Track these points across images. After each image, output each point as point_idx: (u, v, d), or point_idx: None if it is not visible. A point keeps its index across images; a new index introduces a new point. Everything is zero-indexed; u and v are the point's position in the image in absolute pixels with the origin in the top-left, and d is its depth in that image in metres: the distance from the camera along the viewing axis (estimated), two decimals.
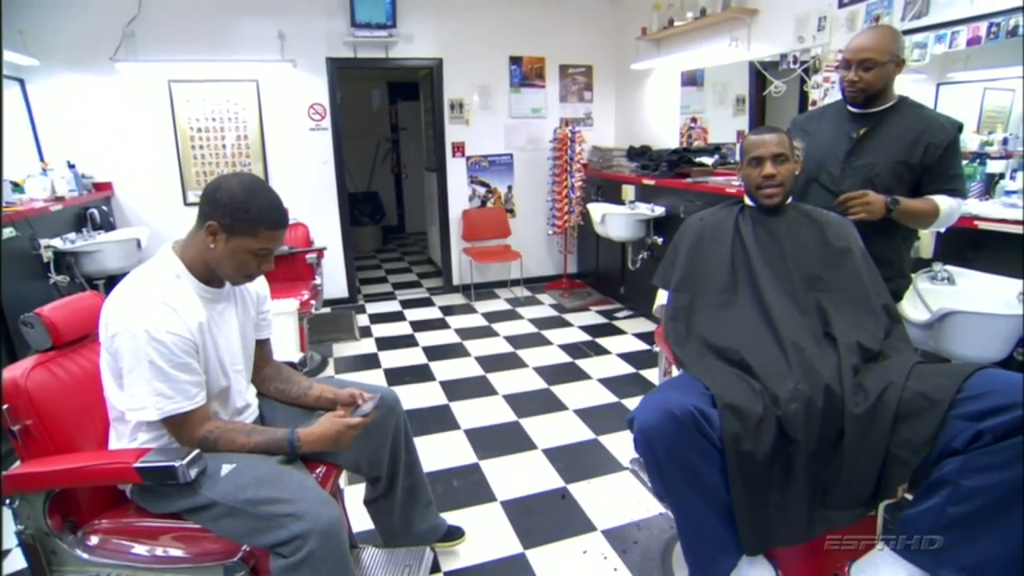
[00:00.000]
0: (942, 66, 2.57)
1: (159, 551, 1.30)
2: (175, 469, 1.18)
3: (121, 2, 3.86)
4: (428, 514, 1.76)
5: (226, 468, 1.24)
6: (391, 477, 1.64)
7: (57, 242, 3.00)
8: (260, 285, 1.56)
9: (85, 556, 1.31)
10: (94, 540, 1.33)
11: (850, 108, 1.84)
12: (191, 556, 1.28)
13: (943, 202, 1.71)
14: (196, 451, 1.23)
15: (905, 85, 2.72)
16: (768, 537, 1.27)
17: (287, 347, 2.95)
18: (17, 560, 1.90)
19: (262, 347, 1.58)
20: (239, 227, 1.26)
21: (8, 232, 2.70)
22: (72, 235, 3.16)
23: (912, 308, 1.80)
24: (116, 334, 1.22)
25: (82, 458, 1.31)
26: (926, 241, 2.13)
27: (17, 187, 3.31)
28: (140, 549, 1.31)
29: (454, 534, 1.85)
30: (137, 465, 1.19)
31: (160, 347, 1.20)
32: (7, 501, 1.28)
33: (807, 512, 1.25)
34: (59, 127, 3.92)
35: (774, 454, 1.24)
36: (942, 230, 2.05)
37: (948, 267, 1.98)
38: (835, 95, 2.92)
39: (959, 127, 1.75)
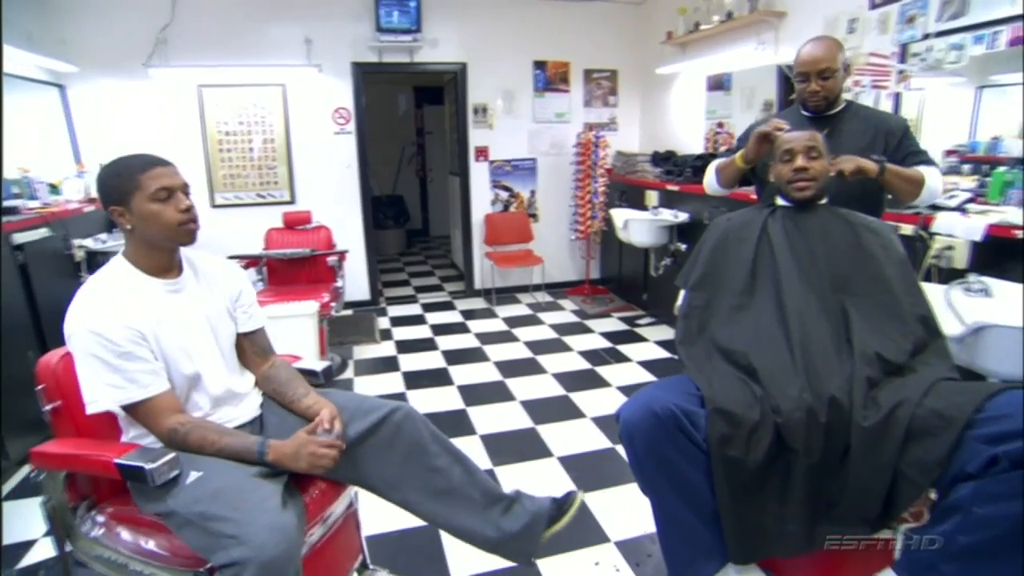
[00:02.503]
0: (981, 68, 2.46)
1: (146, 544, 1.30)
2: (143, 471, 1.18)
3: (155, 10, 3.98)
4: (516, 511, 1.50)
5: (193, 476, 1.22)
6: (447, 494, 1.46)
7: (89, 242, 3.09)
8: (236, 279, 1.54)
9: (92, 535, 1.35)
10: (101, 519, 1.37)
11: (805, 114, 1.93)
12: (170, 556, 1.27)
13: (924, 169, 1.79)
14: (171, 455, 1.22)
15: (941, 88, 2.63)
16: (762, 547, 1.24)
17: (306, 348, 2.98)
18: (40, 552, 1.96)
19: (252, 341, 1.55)
20: (123, 191, 1.27)
21: (43, 232, 2.80)
22: (103, 235, 3.26)
23: (944, 320, 1.72)
24: (68, 338, 1.26)
25: (81, 446, 1.35)
26: (960, 250, 2.04)
27: (54, 189, 3.42)
28: (131, 538, 1.32)
29: (566, 506, 1.54)
30: (116, 461, 1.21)
31: (101, 340, 1.22)
32: (33, 474, 1.34)
33: (808, 525, 1.20)
34: (95, 131, 4.04)
35: (771, 462, 1.21)
36: (945, 239, 1.99)
37: (984, 278, 1.89)
38: (866, 98, 2.83)
39: (906, 120, 1.95)
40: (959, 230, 2.06)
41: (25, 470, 2.48)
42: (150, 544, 1.29)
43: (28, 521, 2.13)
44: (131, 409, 1.28)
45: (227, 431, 1.33)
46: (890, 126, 1.86)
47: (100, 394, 1.25)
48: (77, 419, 1.37)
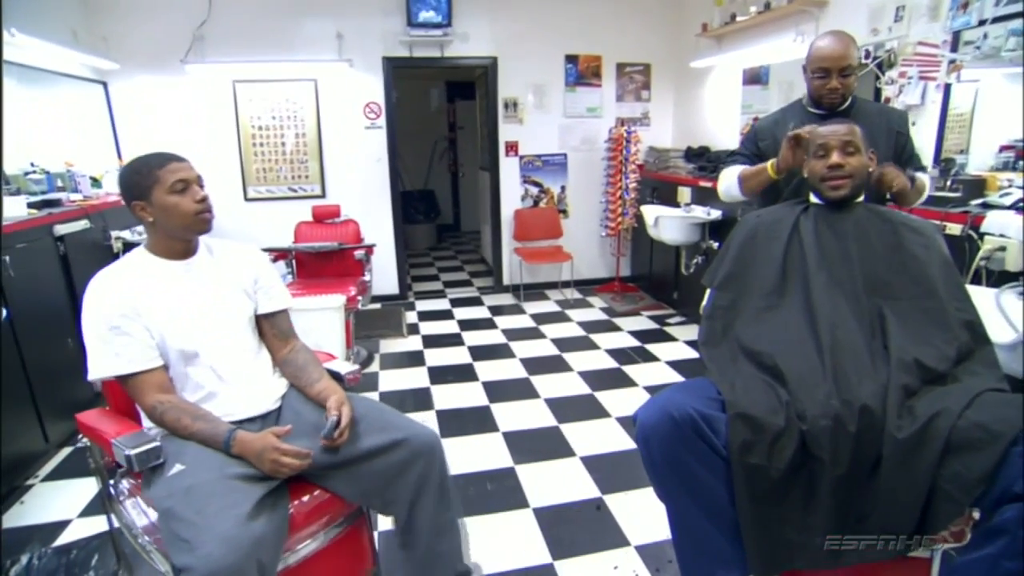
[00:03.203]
0: None
1: (150, 521, 1.32)
2: (122, 453, 1.22)
3: (192, 7, 4.07)
4: None
5: (176, 468, 1.24)
6: (411, 531, 1.42)
7: (126, 234, 3.18)
8: (254, 262, 1.57)
9: (121, 499, 1.41)
10: (127, 487, 1.41)
11: (813, 111, 1.89)
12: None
13: (923, 177, 1.86)
14: (153, 444, 1.26)
15: (997, 80, 2.48)
16: (784, 558, 1.17)
17: (332, 341, 3.00)
18: (75, 532, 2.03)
19: (273, 324, 1.57)
20: (144, 186, 1.34)
21: (83, 224, 2.89)
22: (140, 227, 3.32)
23: (993, 326, 1.61)
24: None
25: (105, 420, 1.41)
26: (1014, 252, 1.92)
27: (96, 182, 3.53)
28: (139, 512, 1.35)
29: None
30: (112, 440, 1.26)
31: (97, 314, 1.31)
32: (79, 436, 1.45)
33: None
34: (135, 126, 4.17)
35: (795, 471, 1.14)
36: (997, 239, 1.86)
37: None
38: (913, 91, 2.69)
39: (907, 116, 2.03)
40: (1013, 230, 1.93)
41: (64, 453, 2.57)
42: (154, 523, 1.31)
43: (65, 502, 2.21)
44: (121, 382, 1.35)
45: (203, 415, 1.34)
46: (900, 125, 1.89)
47: (93, 364, 1.33)
48: (117, 397, 1.45)
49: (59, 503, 2.21)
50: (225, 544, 1.07)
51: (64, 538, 2.01)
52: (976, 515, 1.07)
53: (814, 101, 1.88)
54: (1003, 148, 2.49)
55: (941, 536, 1.09)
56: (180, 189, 1.35)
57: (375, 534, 1.59)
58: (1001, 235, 1.97)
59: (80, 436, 1.47)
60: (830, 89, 1.79)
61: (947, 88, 2.59)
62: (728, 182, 2.02)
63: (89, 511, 2.15)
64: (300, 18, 4.29)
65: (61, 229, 2.69)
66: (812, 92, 1.86)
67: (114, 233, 3.12)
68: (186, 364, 1.40)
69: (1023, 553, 0.95)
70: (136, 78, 4.11)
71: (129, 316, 1.32)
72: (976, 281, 2.00)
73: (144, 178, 1.35)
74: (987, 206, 2.15)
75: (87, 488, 2.29)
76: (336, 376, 1.61)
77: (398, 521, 1.42)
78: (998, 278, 1.93)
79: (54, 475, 2.42)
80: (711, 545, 1.22)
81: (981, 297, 1.69)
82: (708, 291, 1.57)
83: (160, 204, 1.35)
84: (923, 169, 1.92)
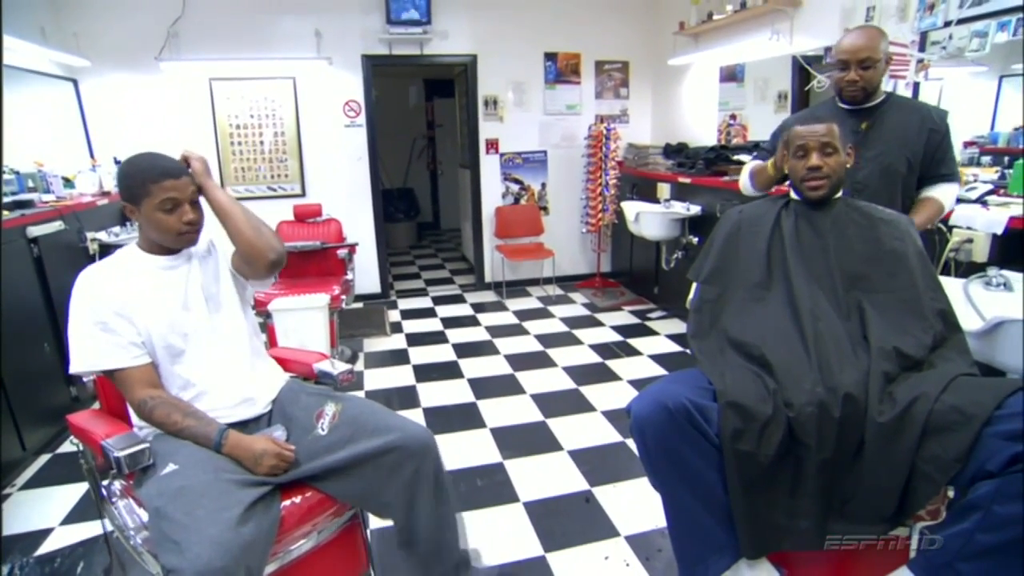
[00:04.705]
0: (1005, 57, 2.40)
1: (141, 522, 1.30)
2: (111, 455, 1.23)
3: (166, 3, 3.98)
4: None
5: (169, 468, 1.24)
6: (410, 531, 1.39)
7: (103, 235, 3.12)
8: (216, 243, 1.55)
9: (113, 500, 1.39)
10: (118, 488, 1.40)
11: (843, 106, 1.90)
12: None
13: (941, 194, 1.86)
14: (141, 446, 1.26)
15: (962, 79, 2.57)
16: (772, 541, 1.23)
17: (316, 341, 2.99)
18: (57, 540, 1.99)
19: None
20: (135, 194, 1.34)
21: (58, 225, 2.82)
22: (116, 228, 3.28)
23: (962, 315, 1.69)
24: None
25: (95, 421, 1.40)
26: (980, 244, 2.00)
27: (68, 182, 3.45)
28: (131, 513, 1.34)
29: None
30: (102, 442, 1.27)
31: (84, 309, 1.32)
32: (61, 440, 1.38)
33: (820, 521, 1.19)
34: (108, 125, 4.07)
35: (783, 457, 1.20)
36: (964, 232, 1.94)
37: (1005, 272, 1.85)
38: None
39: (947, 115, 1.92)
40: (979, 223, 2.02)
41: (43, 460, 2.52)
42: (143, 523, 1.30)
43: (46, 510, 2.17)
44: (108, 376, 1.37)
45: (193, 412, 1.35)
46: (936, 124, 1.84)
47: (76, 357, 1.33)
48: (110, 398, 1.46)
49: (40, 511, 2.17)
50: (215, 548, 1.07)
51: (47, 546, 1.98)
52: (951, 493, 1.13)
53: (839, 95, 1.91)
54: (967, 144, 2.59)
55: (918, 514, 1.15)
56: (169, 208, 1.35)
57: (368, 532, 1.59)
58: (968, 228, 2.05)
59: (69, 438, 1.47)
60: (848, 81, 1.81)
61: (916, 86, 2.68)
62: (744, 176, 2.08)
63: (72, 518, 2.12)
64: (278, 15, 4.23)
65: (35, 231, 2.62)
66: (835, 85, 1.89)
67: (90, 235, 3.05)
68: (173, 362, 1.40)
69: (995, 527, 1.00)
70: (108, 76, 4.01)
71: (117, 312, 1.32)
72: (946, 272, 2.08)
73: (137, 185, 1.34)
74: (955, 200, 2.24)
75: (69, 495, 2.25)
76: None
77: (397, 524, 1.39)
78: (966, 269, 2.02)
79: (33, 483, 2.37)
80: (704, 531, 1.26)
81: (950, 287, 1.77)
82: (694, 285, 1.61)
83: (147, 215, 1.35)
84: (950, 177, 1.87)
